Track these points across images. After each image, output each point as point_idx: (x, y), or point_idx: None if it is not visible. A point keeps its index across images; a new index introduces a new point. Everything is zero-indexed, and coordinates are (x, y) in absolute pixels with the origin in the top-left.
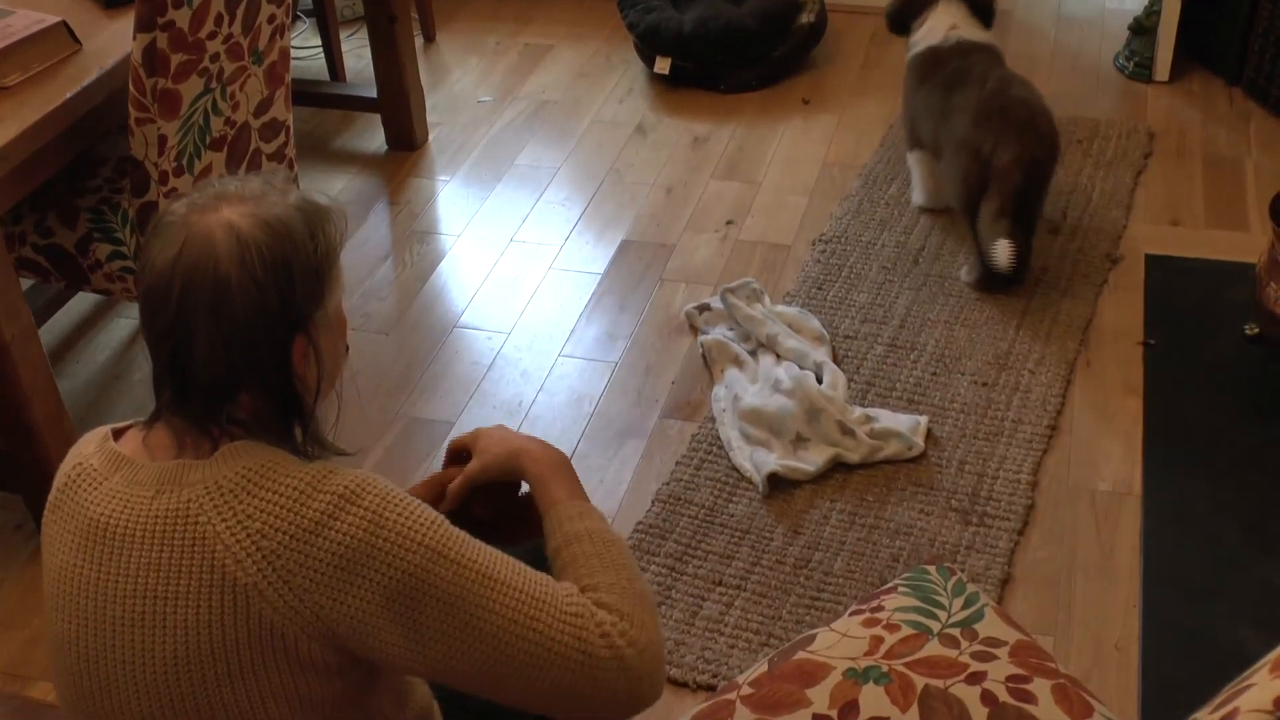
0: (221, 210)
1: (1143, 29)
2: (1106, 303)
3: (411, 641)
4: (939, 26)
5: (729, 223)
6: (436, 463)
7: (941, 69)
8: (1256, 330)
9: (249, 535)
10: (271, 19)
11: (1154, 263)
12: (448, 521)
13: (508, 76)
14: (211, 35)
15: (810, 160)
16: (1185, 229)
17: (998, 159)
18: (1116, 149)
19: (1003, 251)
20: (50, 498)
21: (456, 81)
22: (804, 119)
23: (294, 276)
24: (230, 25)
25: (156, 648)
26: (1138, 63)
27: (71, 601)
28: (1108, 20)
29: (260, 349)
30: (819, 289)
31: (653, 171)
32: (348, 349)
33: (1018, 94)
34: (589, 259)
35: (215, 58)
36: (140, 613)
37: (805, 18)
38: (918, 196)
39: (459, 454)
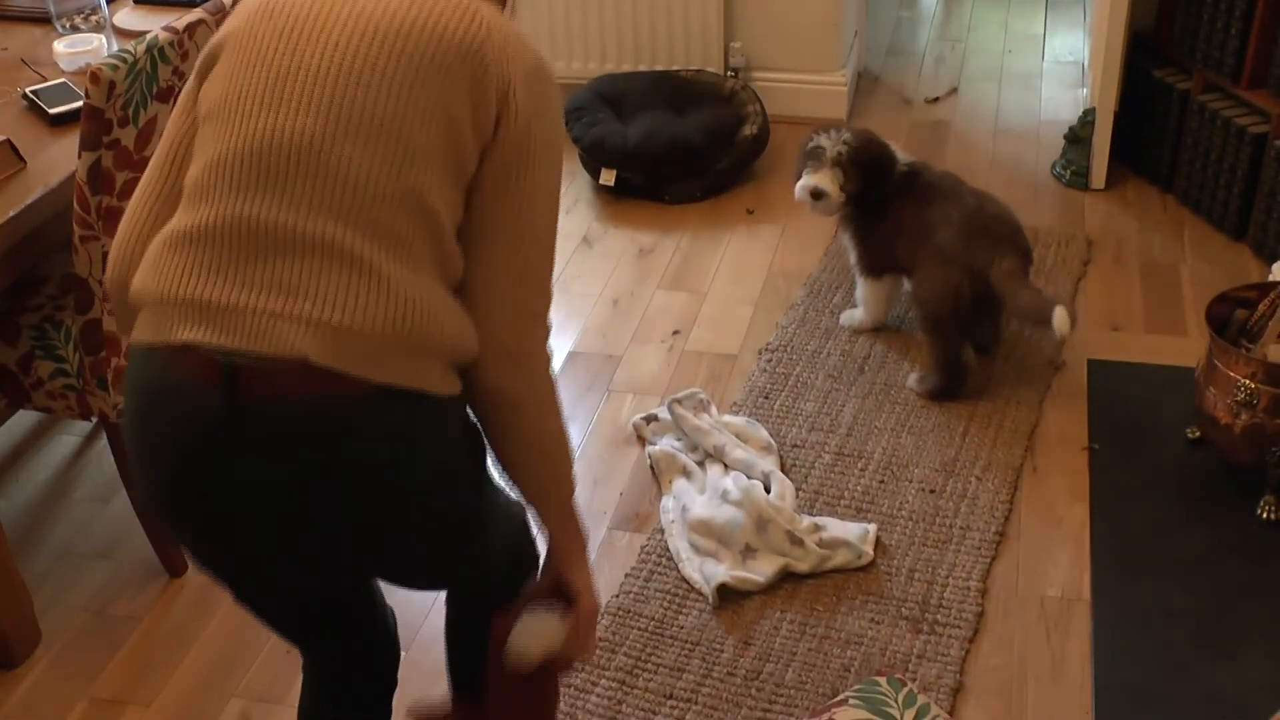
0: None
1: (1078, 139)
2: (1051, 409)
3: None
4: None
5: (675, 333)
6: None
7: (903, 193)
8: (1198, 434)
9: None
10: None
11: (1096, 368)
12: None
13: None
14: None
15: (755, 270)
16: (1126, 334)
17: (998, 269)
18: (1056, 257)
19: (1061, 317)
20: None
21: None
22: (748, 229)
23: None
24: None
25: (394, 12)
26: (1074, 171)
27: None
28: (1043, 131)
29: None
30: (765, 399)
31: (599, 282)
32: None
33: (997, 210)
34: None
35: None
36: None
37: (748, 130)
38: (861, 320)
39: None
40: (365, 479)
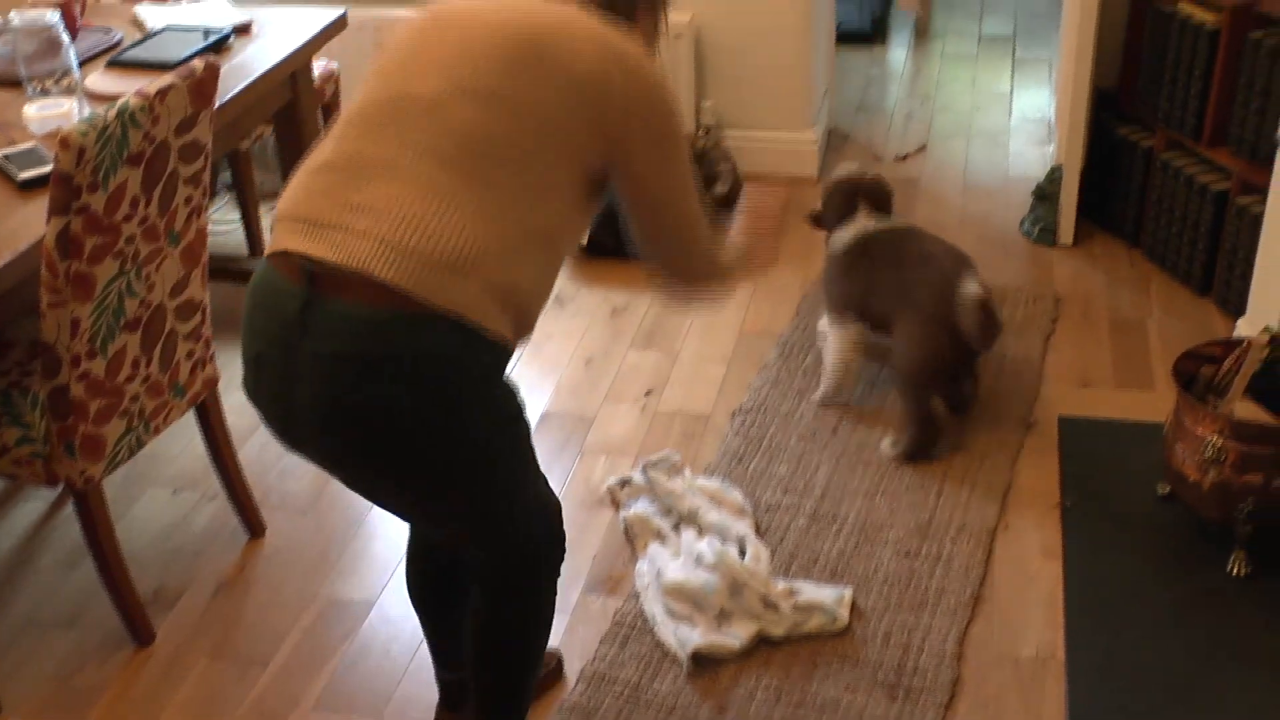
0: None
1: (1045, 195)
2: (1024, 467)
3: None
4: (861, 219)
5: (648, 393)
6: (356, 645)
7: (882, 251)
8: (1168, 490)
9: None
10: (189, 200)
11: (1067, 425)
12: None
13: None
14: (127, 218)
15: (727, 329)
16: (1095, 390)
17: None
18: (1026, 314)
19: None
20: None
21: None
22: None
23: None
24: (146, 207)
25: (532, 24)
26: (1042, 228)
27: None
28: (1011, 187)
29: None
30: (739, 461)
31: (572, 342)
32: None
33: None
34: None
35: (131, 240)
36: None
37: (720, 188)
38: (827, 388)
39: None
40: (392, 386)
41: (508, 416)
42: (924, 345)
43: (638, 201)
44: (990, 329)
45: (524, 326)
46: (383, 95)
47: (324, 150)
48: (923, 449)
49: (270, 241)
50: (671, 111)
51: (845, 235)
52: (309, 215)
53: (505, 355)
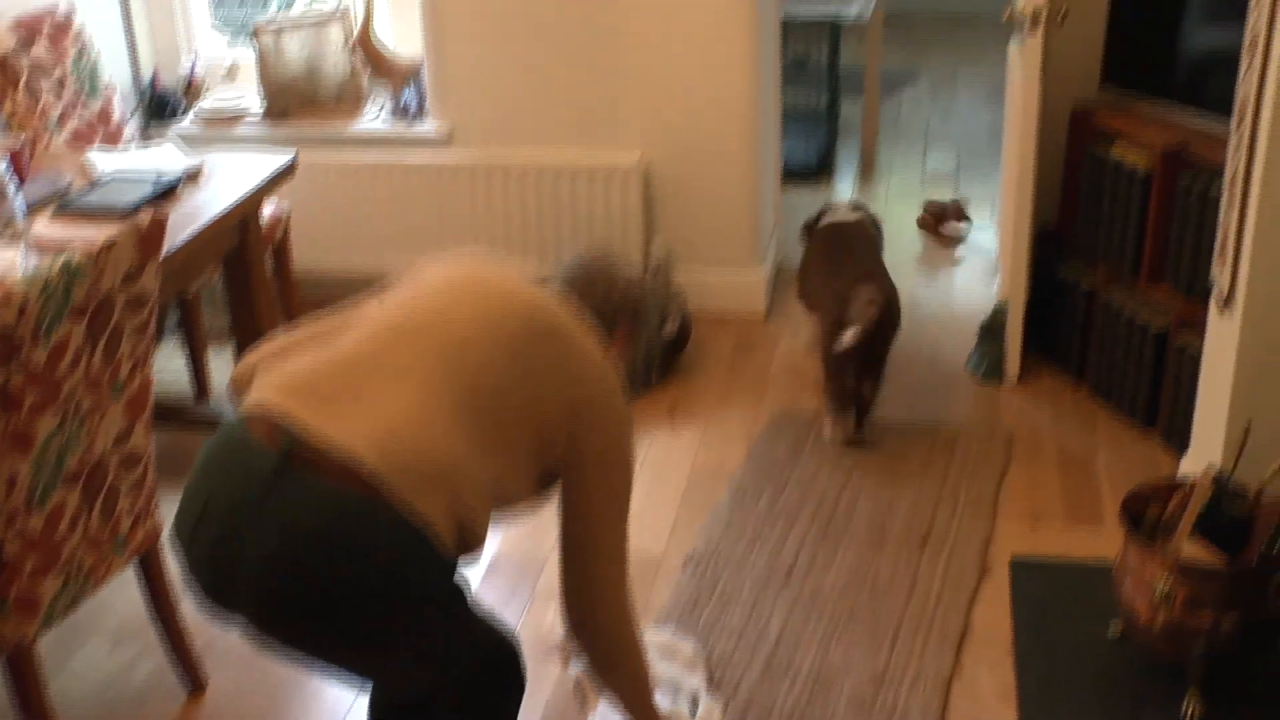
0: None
1: (991, 332)
2: (978, 610)
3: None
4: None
5: None
6: None
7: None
8: (1120, 630)
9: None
10: (134, 350)
11: (1019, 566)
12: None
13: None
14: (69, 372)
15: (678, 469)
16: (1046, 529)
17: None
18: (978, 454)
19: (847, 336)
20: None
21: None
22: (670, 429)
23: (642, 304)
24: (89, 360)
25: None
26: (989, 364)
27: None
28: (957, 323)
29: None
30: (692, 609)
31: None
32: None
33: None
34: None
35: (73, 393)
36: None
37: (669, 327)
38: (831, 429)
39: None
40: (347, 564)
41: (451, 598)
42: (826, 334)
43: (576, 510)
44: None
45: (463, 551)
46: (416, 319)
47: (344, 346)
48: (839, 412)
49: (253, 397)
50: (631, 444)
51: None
52: (315, 388)
53: (451, 567)
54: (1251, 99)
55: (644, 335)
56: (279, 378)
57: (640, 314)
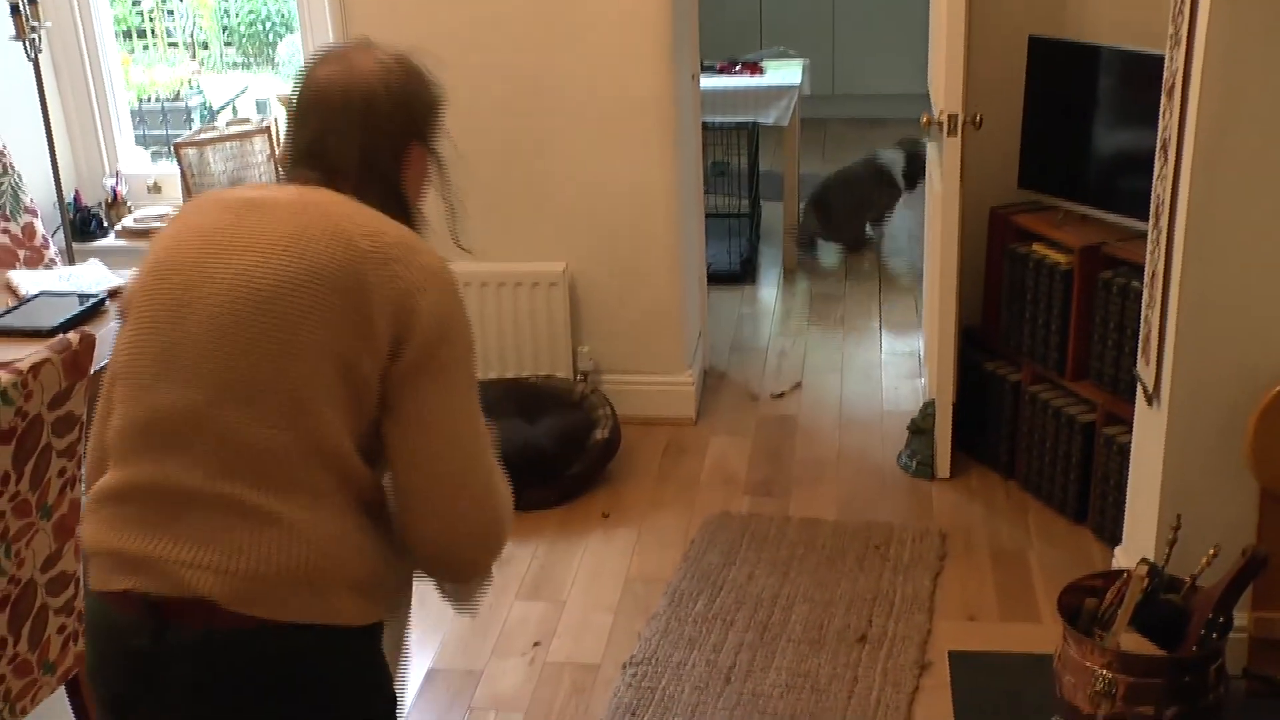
0: (373, 49)
1: (920, 429)
2: (918, 707)
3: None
4: None
5: (536, 644)
6: None
7: None
8: None
9: (373, 228)
10: (62, 472)
11: (957, 660)
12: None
13: None
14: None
15: (614, 575)
16: (982, 623)
17: None
18: (912, 553)
19: None
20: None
21: None
22: (604, 533)
23: (419, 101)
24: (17, 484)
25: (269, 270)
26: (919, 461)
27: (203, 241)
28: (886, 421)
29: (386, 141)
30: (632, 715)
31: None
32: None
33: None
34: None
35: (0, 516)
36: (270, 244)
37: (599, 433)
38: None
39: None
40: (262, 703)
41: (381, 694)
42: None
43: (420, 438)
44: None
45: (397, 592)
46: (145, 413)
47: (113, 474)
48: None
49: (91, 578)
50: (469, 332)
51: None
52: (127, 551)
53: (378, 631)
54: (1166, 199)
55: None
56: (96, 541)
57: (432, 125)
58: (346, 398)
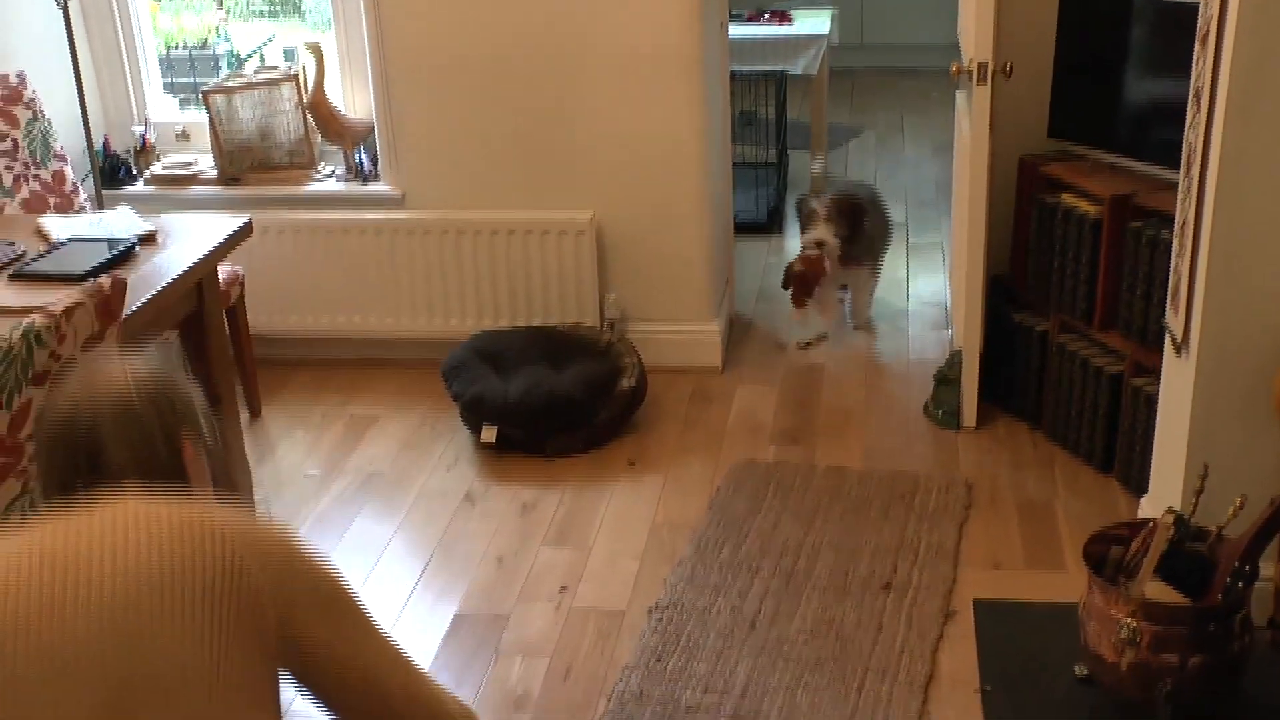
0: (111, 359)
1: (947, 380)
2: (943, 655)
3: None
4: None
5: (562, 590)
6: None
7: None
8: (1086, 671)
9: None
10: None
11: (982, 608)
12: None
13: (334, 449)
14: (31, 436)
15: (639, 522)
16: (1007, 572)
17: None
18: (938, 502)
19: None
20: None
21: (283, 456)
22: (630, 481)
23: (178, 396)
24: None
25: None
26: (945, 411)
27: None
28: (913, 371)
29: (158, 444)
30: (658, 659)
31: (483, 541)
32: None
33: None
34: (422, 635)
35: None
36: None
37: (626, 382)
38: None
39: None
40: None
41: None
42: None
43: (344, 685)
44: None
45: None
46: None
47: None
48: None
49: None
50: (318, 556)
51: None
52: None
53: None
54: (1198, 148)
55: (209, 435)
56: None
57: (194, 416)
58: (249, 680)
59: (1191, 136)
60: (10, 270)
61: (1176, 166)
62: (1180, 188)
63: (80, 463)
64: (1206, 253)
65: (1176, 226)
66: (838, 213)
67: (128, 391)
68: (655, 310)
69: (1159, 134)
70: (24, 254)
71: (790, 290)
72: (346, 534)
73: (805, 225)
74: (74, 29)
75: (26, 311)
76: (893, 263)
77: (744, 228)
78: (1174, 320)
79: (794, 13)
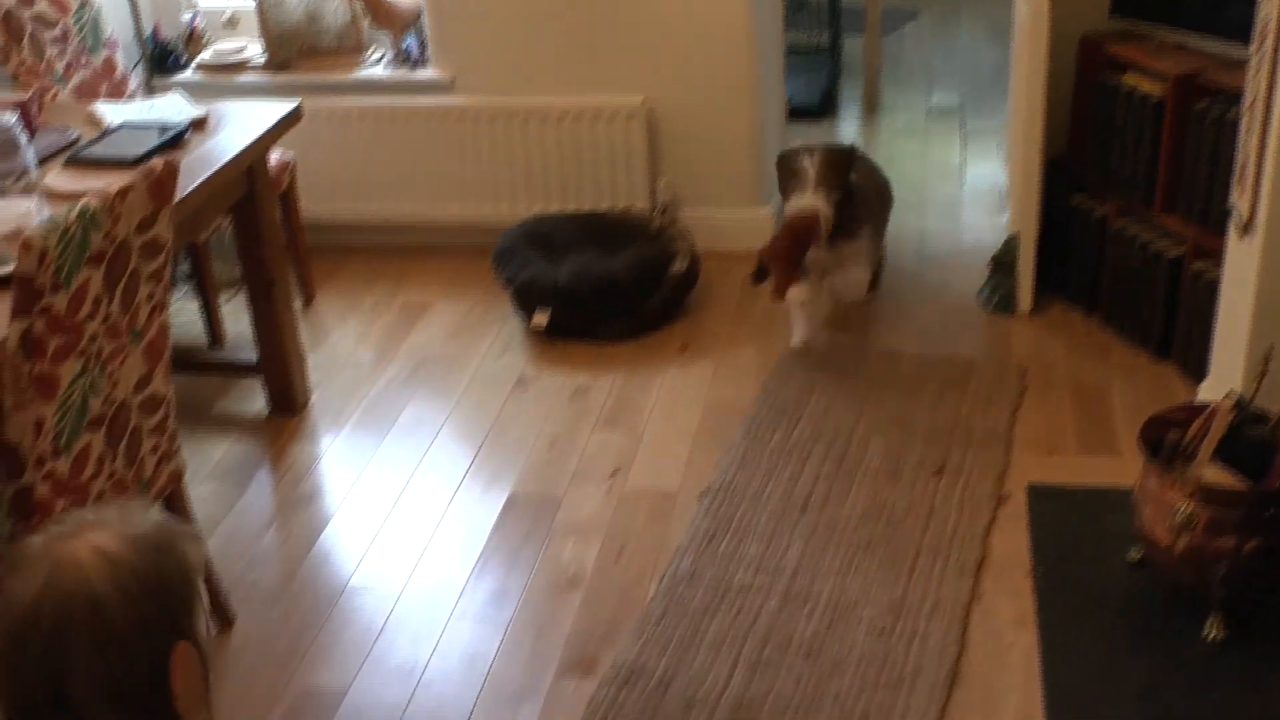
0: (84, 535)
1: (1002, 264)
2: (995, 538)
3: None
4: None
5: (614, 473)
6: None
7: None
8: (1140, 555)
9: None
10: (150, 296)
11: (1035, 493)
12: None
13: (387, 335)
14: (89, 317)
15: (691, 406)
16: (1061, 457)
17: None
18: (991, 386)
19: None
20: None
21: (336, 342)
22: (682, 366)
23: (168, 588)
24: (109, 305)
25: None
26: (1001, 296)
27: None
28: (967, 257)
29: (140, 662)
30: (709, 542)
31: (535, 425)
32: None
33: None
34: (476, 516)
35: (93, 339)
36: None
37: (678, 266)
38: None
39: None
40: None
41: None
42: None
43: None
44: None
45: None
46: None
47: None
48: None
49: None
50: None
51: None
52: None
53: None
54: (1274, 20)
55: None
56: None
57: (194, 610)
58: None
59: (1266, 6)
60: (65, 156)
61: (1247, 41)
62: (1251, 63)
63: (40, 693)
64: (1278, 128)
65: (1245, 103)
66: (829, 170)
67: (98, 579)
68: (707, 195)
69: (1228, 8)
70: (78, 139)
71: (768, 275)
72: (400, 418)
73: (790, 189)
74: None
75: (81, 195)
76: (946, 149)
77: (797, 112)
78: (1239, 200)
79: None
